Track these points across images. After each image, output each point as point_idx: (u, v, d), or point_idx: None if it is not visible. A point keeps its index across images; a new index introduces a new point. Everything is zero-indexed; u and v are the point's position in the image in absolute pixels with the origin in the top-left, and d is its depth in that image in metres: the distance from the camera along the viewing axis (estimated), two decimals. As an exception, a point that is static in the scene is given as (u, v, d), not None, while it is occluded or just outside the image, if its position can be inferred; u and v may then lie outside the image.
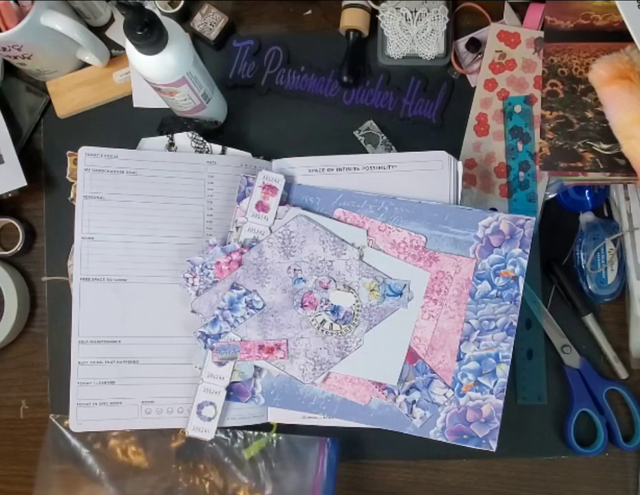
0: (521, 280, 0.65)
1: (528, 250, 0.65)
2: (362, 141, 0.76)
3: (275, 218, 0.68)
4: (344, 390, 0.67)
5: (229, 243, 0.68)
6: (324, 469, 0.69)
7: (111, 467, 0.70)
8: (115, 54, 0.78)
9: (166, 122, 0.73)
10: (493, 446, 0.64)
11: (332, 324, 0.66)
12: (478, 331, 0.65)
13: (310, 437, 0.70)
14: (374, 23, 0.77)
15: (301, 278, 0.67)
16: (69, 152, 0.73)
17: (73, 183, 0.73)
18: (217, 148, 0.71)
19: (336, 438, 0.71)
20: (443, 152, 0.67)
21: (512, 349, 0.64)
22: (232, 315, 0.67)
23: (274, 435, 0.70)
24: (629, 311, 0.73)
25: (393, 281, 0.66)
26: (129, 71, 0.78)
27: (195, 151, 0.71)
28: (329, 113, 0.77)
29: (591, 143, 0.67)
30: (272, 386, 0.68)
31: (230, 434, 0.70)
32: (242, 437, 0.70)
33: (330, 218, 0.68)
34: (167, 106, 0.74)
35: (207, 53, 0.78)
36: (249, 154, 0.72)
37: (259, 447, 0.70)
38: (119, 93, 0.78)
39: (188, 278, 0.67)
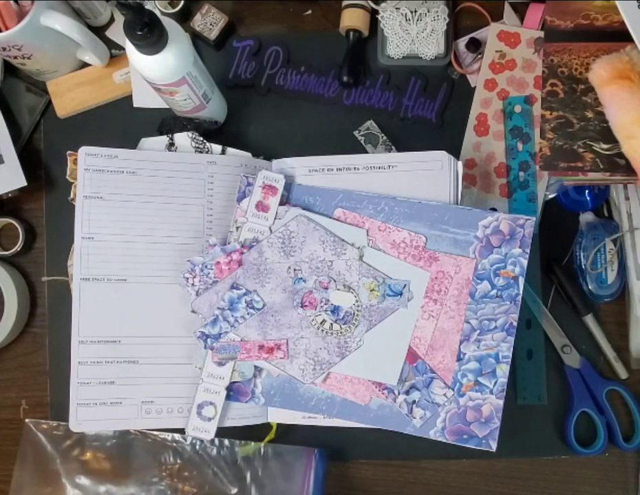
0: (521, 280, 0.65)
1: (528, 250, 0.65)
2: (362, 141, 0.76)
3: (275, 218, 0.68)
4: (344, 390, 0.67)
5: (229, 243, 0.68)
6: (311, 480, 0.69)
7: (91, 474, 0.70)
8: (115, 54, 0.78)
9: (166, 122, 0.73)
10: (493, 446, 0.64)
11: (332, 324, 0.66)
12: (478, 331, 0.65)
13: (297, 447, 0.70)
14: (374, 23, 0.77)
15: (301, 278, 0.67)
16: (69, 152, 0.73)
17: (73, 183, 0.73)
18: (217, 148, 0.71)
19: (329, 445, 0.72)
20: (443, 152, 0.67)
21: (512, 349, 0.64)
22: (232, 315, 0.67)
23: (261, 444, 0.70)
24: (629, 311, 0.73)
25: (393, 281, 0.66)
26: (129, 71, 0.78)
27: (195, 151, 0.71)
28: (329, 113, 0.77)
29: (591, 143, 0.67)
30: (272, 386, 0.68)
31: (217, 442, 0.70)
32: (229, 445, 0.70)
33: (330, 218, 0.68)
34: (167, 106, 0.74)
35: (207, 53, 0.78)
36: (249, 154, 0.72)
37: (250, 449, 0.70)
38: (119, 93, 0.78)
39: (188, 278, 0.67)
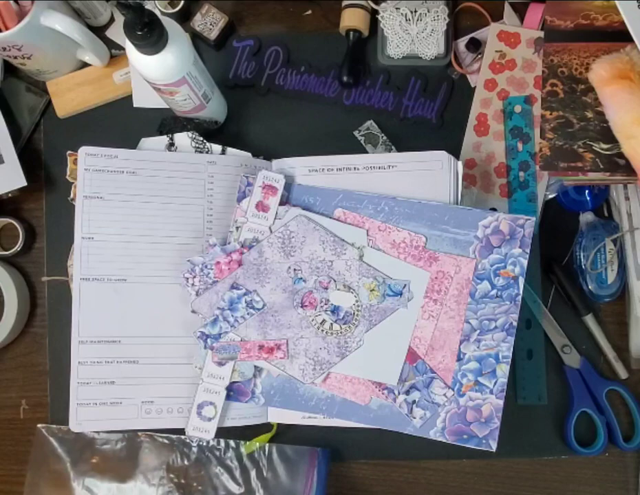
0: (521, 280, 0.65)
1: (528, 250, 0.65)
2: (362, 141, 0.76)
3: (275, 218, 0.68)
4: (344, 390, 0.67)
5: (229, 243, 0.68)
6: (314, 480, 0.69)
7: (100, 476, 0.71)
8: (115, 54, 0.78)
9: (166, 122, 0.73)
10: (493, 446, 0.64)
11: (332, 324, 0.66)
12: (478, 331, 0.65)
13: (301, 447, 0.70)
14: (374, 23, 0.77)
15: (301, 278, 0.67)
16: (69, 152, 0.73)
17: (73, 183, 0.73)
18: (217, 148, 0.71)
19: (329, 445, 0.72)
20: (443, 152, 0.67)
21: (512, 349, 0.64)
22: (232, 315, 0.67)
23: (266, 440, 0.70)
24: (629, 311, 0.73)
25: (393, 281, 0.66)
26: (129, 71, 0.78)
27: (195, 151, 0.71)
28: (329, 113, 0.77)
29: (591, 143, 0.67)
30: (272, 386, 0.68)
31: (223, 443, 0.70)
32: (234, 446, 0.70)
33: (330, 218, 0.68)
34: (167, 106, 0.74)
35: (207, 53, 0.78)
36: (249, 154, 0.72)
37: (255, 446, 0.70)
38: (119, 93, 0.78)
39: (188, 278, 0.67)
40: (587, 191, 0.73)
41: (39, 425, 0.72)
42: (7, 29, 0.68)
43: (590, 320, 0.73)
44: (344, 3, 0.76)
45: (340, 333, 0.66)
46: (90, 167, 0.68)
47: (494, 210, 0.71)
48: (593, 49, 0.69)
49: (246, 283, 0.67)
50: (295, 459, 0.70)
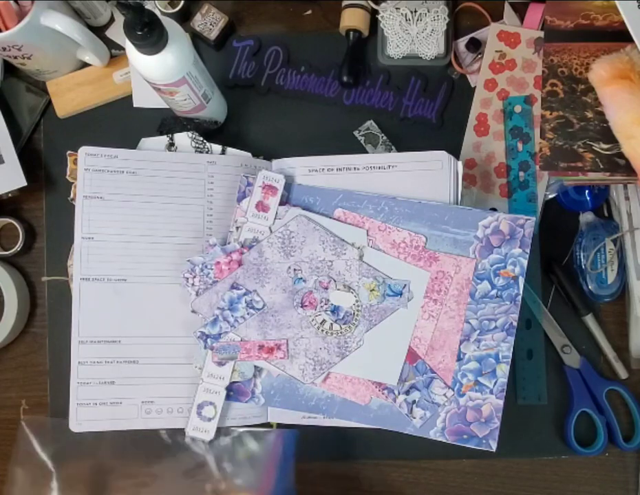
0: (521, 280, 0.65)
1: (528, 250, 0.65)
2: (362, 141, 0.76)
3: (275, 218, 0.68)
4: (344, 390, 0.67)
5: (229, 243, 0.68)
6: (277, 464, 0.67)
7: (87, 474, 0.70)
8: (115, 54, 0.78)
9: (166, 122, 0.73)
10: (493, 446, 0.64)
11: (332, 324, 0.66)
12: (478, 331, 0.65)
13: (265, 430, 0.68)
14: (374, 23, 0.77)
15: (301, 278, 0.67)
16: (69, 152, 0.73)
17: (73, 183, 0.73)
18: (217, 148, 0.71)
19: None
20: (443, 152, 0.67)
21: (512, 349, 0.64)
22: (232, 315, 0.67)
23: (233, 430, 0.68)
24: (629, 311, 0.73)
25: (393, 281, 0.66)
26: (129, 71, 0.78)
27: (195, 151, 0.71)
28: (329, 113, 0.77)
29: (591, 143, 0.67)
30: (272, 386, 0.68)
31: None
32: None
33: (330, 218, 0.68)
34: (167, 106, 0.74)
35: (207, 53, 0.78)
36: (249, 154, 0.72)
37: None
38: (119, 93, 0.78)
39: (188, 278, 0.67)
40: (587, 191, 0.73)
41: (22, 420, 0.71)
42: (7, 29, 0.68)
43: (590, 320, 0.73)
44: (344, 3, 0.76)
45: (340, 333, 0.66)
46: (90, 167, 0.68)
47: (494, 210, 0.71)
48: (593, 49, 0.69)
49: (246, 283, 0.67)
50: (258, 440, 0.68)
